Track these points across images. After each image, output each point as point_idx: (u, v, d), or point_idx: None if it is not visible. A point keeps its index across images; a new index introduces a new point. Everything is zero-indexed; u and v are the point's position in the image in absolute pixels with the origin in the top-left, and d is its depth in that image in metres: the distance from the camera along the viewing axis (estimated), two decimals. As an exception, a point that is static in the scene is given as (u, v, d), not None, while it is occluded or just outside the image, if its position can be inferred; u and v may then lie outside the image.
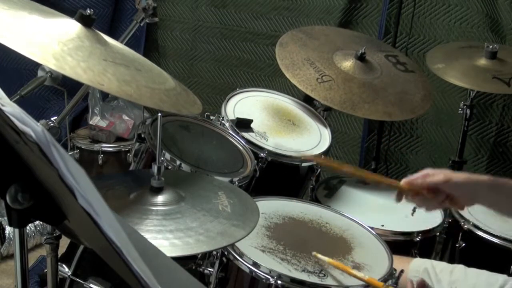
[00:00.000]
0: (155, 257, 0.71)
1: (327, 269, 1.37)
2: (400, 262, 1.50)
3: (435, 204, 1.33)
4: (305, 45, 2.13)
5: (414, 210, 1.81)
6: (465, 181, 1.28)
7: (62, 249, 1.58)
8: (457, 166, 2.26)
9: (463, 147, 2.26)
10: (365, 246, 1.51)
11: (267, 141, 1.91)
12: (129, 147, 2.72)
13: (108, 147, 2.75)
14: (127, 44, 1.50)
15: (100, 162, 2.70)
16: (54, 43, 1.09)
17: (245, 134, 1.88)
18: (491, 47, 2.10)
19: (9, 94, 0.98)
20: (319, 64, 2.05)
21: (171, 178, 1.31)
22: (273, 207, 1.61)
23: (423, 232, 1.82)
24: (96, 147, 2.73)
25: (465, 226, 1.88)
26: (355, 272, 1.33)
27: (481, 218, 1.89)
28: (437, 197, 1.30)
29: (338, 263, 1.36)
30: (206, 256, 1.51)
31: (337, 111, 2.09)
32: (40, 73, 1.65)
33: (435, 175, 1.29)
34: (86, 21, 1.23)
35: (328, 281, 1.33)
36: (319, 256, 1.38)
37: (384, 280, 1.36)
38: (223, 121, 1.90)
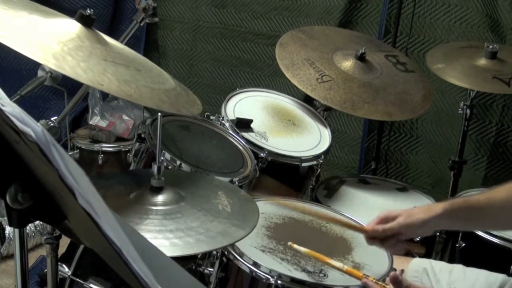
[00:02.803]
0: (155, 257, 0.71)
1: (326, 269, 1.37)
2: (400, 262, 1.50)
3: (398, 249, 1.40)
4: (305, 45, 2.13)
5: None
6: (421, 221, 1.30)
7: (62, 249, 1.58)
8: (457, 166, 2.26)
9: (463, 147, 2.26)
10: (365, 246, 1.50)
11: (267, 141, 1.91)
12: (129, 147, 2.71)
13: (108, 147, 2.75)
14: (127, 44, 1.50)
15: (100, 162, 2.70)
16: (54, 43, 1.09)
17: (245, 134, 1.88)
18: (491, 47, 2.10)
19: (9, 94, 0.98)
20: (319, 64, 2.05)
21: (171, 178, 1.31)
22: (273, 207, 1.61)
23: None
24: (96, 147, 2.73)
25: (465, 226, 1.88)
26: (332, 262, 1.33)
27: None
28: (398, 243, 1.36)
29: (315, 253, 1.35)
30: (206, 256, 1.51)
31: (337, 111, 2.09)
32: (40, 73, 1.65)
33: (392, 222, 1.33)
34: (86, 21, 1.23)
35: (328, 281, 1.33)
36: (295, 246, 1.37)
37: (384, 280, 1.36)
38: (223, 121, 1.90)
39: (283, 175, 1.92)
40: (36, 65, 1.43)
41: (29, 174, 0.74)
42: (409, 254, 1.77)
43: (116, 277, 1.52)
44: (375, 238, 1.36)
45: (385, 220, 1.34)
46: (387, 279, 1.27)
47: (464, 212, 1.31)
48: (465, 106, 2.21)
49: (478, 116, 2.51)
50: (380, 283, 1.25)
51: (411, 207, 1.38)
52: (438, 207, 1.30)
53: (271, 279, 1.30)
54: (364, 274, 1.30)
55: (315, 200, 1.92)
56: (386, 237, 1.35)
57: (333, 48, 2.16)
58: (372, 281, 1.27)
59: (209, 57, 3.03)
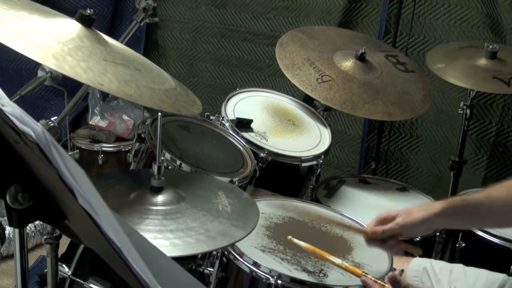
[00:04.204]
0: (155, 257, 0.71)
1: (327, 268, 1.37)
2: (400, 262, 1.50)
3: (397, 250, 1.39)
4: (305, 45, 2.13)
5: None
6: (420, 220, 1.30)
7: (62, 249, 1.58)
8: (457, 166, 2.26)
9: (463, 147, 2.26)
10: (365, 246, 1.50)
11: (267, 141, 1.91)
12: (129, 147, 2.72)
13: (108, 147, 2.76)
14: (127, 44, 1.50)
15: (100, 162, 2.70)
16: (54, 43, 1.09)
17: (245, 134, 1.88)
18: (491, 47, 2.10)
19: (9, 94, 0.98)
20: (319, 64, 2.05)
21: (171, 178, 1.31)
22: (273, 207, 1.61)
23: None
24: (96, 147, 2.73)
25: (465, 226, 1.88)
26: (332, 258, 1.33)
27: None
28: (397, 244, 1.36)
29: (315, 248, 1.35)
30: (206, 256, 1.51)
31: (337, 111, 2.09)
32: (40, 73, 1.65)
33: (391, 223, 1.32)
34: (86, 21, 1.23)
35: (328, 281, 1.33)
36: (295, 240, 1.37)
37: (383, 279, 1.36)
38: (223, 121, 1.90)
39: (283, 175, 1.92)
40: (36, 65, 1.43)
41: (29, 174, 0.74)
42: (408, 254, 1.77)
43: (116, 277, 1.52)
44: (375, 239, 1.36)
45: (384, 221, 1.34)
46: (386, 278, 1.27)
47: (462, 210, 1.31)
48: (465, 106, 2.21)
49: (478, 116, 2.51)
50: (379, 281, 1.25)
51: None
52: (437, 206, 1.30)
53: (271, 279, 1.30)
54: (363, 272, 1.30)
55: (315, 200, 1.92)
56: (385, 238, 1.35)
57: (333, 48, 2.16)
58: (371, 279, 1.27)
59: (209, 57, 3.03)
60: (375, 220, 1.35)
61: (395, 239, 1.35)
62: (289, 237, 1.39)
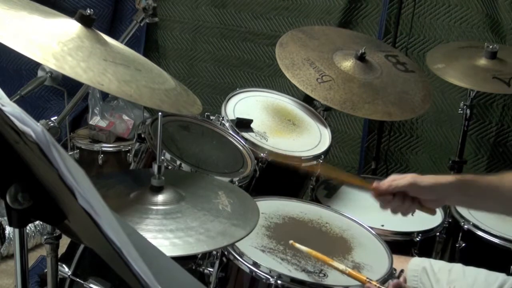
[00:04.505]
0: (155, 257, 0.71)
1: (326, 269, 1.37)
2: (400, 262, 1.50)
3: (405, 208, 1.33)
4: (305, 45, 2.13)
5: (414, 210, 1.81)
6: (431, 184, 1.27)
7: (62, 249, 1.58)
8: (457, 166, 2.26)
9: (463, 147, 2.26)
10: (365, 246, 1.51)
11: (267, 141, 1.91)
12: (129, 147, 2.72)
13: (108, 147, 2.76)
14: (127, 44, 1.50)
15: (100, 162, 2.70)
16: (54, 43, 1.09)
17: (245, 134, 1.88)
18: (491, 47, 2.10)
19: (9, 94, 0.98)
20: (319, 64, 2.05)
21: (171, 177, 1.31)
22: (273, 207, 1.61)
23: (423, 232, 1.82)
24: (96, 147, 2.73)
25: (465, 226, 1.88)
26: (335, 264, 1.32)
27: (481, 218, 1.89)
28: (405, 201, 1.30)
29: (317, 253, 1.35)
30: (206, 256, 1.51)
31: (337, 111, 2.09)
32: (40, 73, 1.65)
33: (401, 179, 1.29)
34: (86, 21, 1.23)
35: (328, 281, 1.33)
36: (297, 245, 1.37)
37: (384, 280, 1.36)
38: (223, 121, 1.90)
39: (283, 175, 1.92)
40: (36, 65, 1.43)
41: (29, 174, 0.74)
42: (411, 253, 1.77)
43: (116, 277, 1.52)
44: (383, 194, 1.32)
45: (393, 179, 1.31)
46: (390, 286, 1.26)
47: (474, 187, 1.28)
48: (465, 106, 2.21)
49: (478, 116, 2.51)
50: (383, 287, 1.25)
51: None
52: (449, 177, 1.28)
53: (271, 279, 1.30)
54: (367, 278, 1.29)
55: (315, 200, 1.92)
56: (394, 194, 1.30)
57: (333, 48, 2.16)
58: (375, 285, 1.26)
59: (209, 57, 3.03)
60: (387, 179, 1.32)
61: (402, 196, 1.30)
62: (291, 241, 1.38)
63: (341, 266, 1.32)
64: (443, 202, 1.36)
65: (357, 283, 1.33)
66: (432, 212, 1.38)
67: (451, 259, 1.90)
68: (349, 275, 1.30)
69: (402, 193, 1.30)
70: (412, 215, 1.55)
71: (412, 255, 1.74)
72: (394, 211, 1.34)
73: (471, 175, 1.33)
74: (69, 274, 1.60)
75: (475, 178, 1.31)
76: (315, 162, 1.92)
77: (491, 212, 1.74)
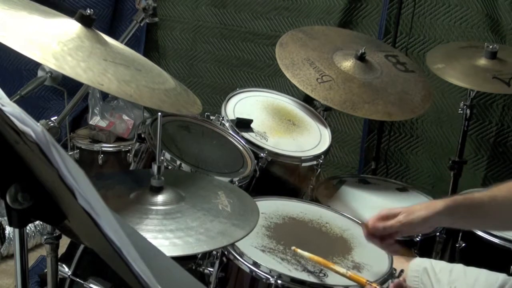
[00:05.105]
0: (155, 257, 0.71)
1: (326, 268, 1.37)
2: (400, 262, 1.50)
3: (395, 249, 1.38)
4: (305, 45, 2.13)
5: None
6: (421, 219, 1.28)
7: (62, 249, 1.58)
8: (457, 166, 2.26)
9: (463, 147, 2.26)
10: (365, 246, 1.51)
11: (267, 141, 1.91)
12: (129, 147, 2.72)
13: (108, 147, 2.75)
14: (127, 44, 1.50)
15: (100, 162, 2.70)
16: (54, 43, 1.09)
17: (245, 134, 1.88)
18: (491, 47, 2.10)
19: (9, 94, 0.98)
20: (319, 64, 2.05)
21: (171, 178, 1.31)
22: (273, 207, 1.61)
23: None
24: (96, 147, 2.73)
25: (465, 226, 1.88)
26: (336, 267, 1.32)
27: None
28: (390, 243, 1.35)
29: (319, 258, 1.35)
30: (206, 256, 1.51)
31: (337, 111, 2.09)
32: (40, 73, 1.65)
33: (393, 220, 1.31)
34: (86, 21, 1.23)
35: (328, 281, 1.33)
36: (299, 251, 1.37)
37: (384, 280, 1.36)
38: (223, 121, 1.90)
39: (283, 175, 1.92)
40: (36, 65, 1.43)
41: (29, 174, 0.74)
42: (411, 253, 1.77)
43: (116, 277, 1.52)
44: (374, 235, 1.35)
45: (386, 218, 1.33)
46: (390, 286, 1.26)
47: (465, 209, 1.29)
48: (465, 106, 2.21)
49: (478, 116, 2.51)
50: None
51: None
52: (439, 204, 1.28)
53: (271, 279, 1.30)
54: (367, 281, 1.29)
55: (315, 200, 1.92)
56: (385, 236, 1.34)
57: (333, 48, 2.16)
58: (375, 287, 1.26)
59: (209, 57, 3.03)
60: (377, 216, 1.34)
61: (393, 238, 1.34)
62: (293, 247, 1.38)
63: (342, 270, 1.32)
64: (435, 227, 1.39)
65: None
66: (413, 257, 1.43)
67: (451, 259, 1.90)
68: (350, 278, 1.30)
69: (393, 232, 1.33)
70: None
71: (412, 255, 1.74)
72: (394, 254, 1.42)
73: (461, 196, 1.35)
74: (69, 274, 1.60)
75: (466, 199, 1.32)
76: (314, 163, 1.92)
77: (485, 229, 1.77)
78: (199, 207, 1.25)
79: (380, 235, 1.34)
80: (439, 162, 2.64)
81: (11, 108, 0.62)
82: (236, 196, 1.36)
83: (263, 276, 1.32)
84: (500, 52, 2.11)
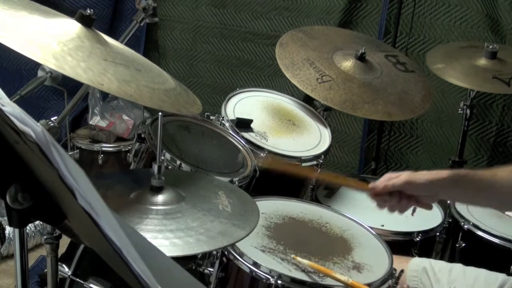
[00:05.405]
0: (155, 257, 0.71)
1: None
2: (400, 262, 1.50)
3: (402, 206, 1.34)
4: (305, 45, 2.13)
5: (414, 210, 1.81)
6: (426, 181, 1.28)
7: (62, 249, 1.58)
8: (457, 166, 2.26)
9: (463, 147, 2.26)
10: (365, 246, 1.51)
11: (267, 141, 1.91)
12: (129, 147, 2.72)
13: (108, 147, 2.76)
14: (127, 44, 1.50)
15: (100, 162, 2.70)
16: (54, 43, 1.09)
17: (245, 134, 1.88)
18: (491, 47, 2.10)
19: (9, 94, 0.98)
20: (319, 64, 2.05)
21: (171, 178, 1.31)
22: (273, 207, 1.61)
23: (423, 232, 1.82)
24: (96, 147, 2.73)
25: (465, 226, 1.88)
26: (337, 275, 1.32)
27: (481, 218, 1.89)
28: (401, 200, 1.32)
29: (319, 266, 1.35)
30: (206, 256, 1.51)
31: (337, 111, 2.09)
32: (40, 73, 1.65)
33: (396, 178, 1.30)
34: (86, 21, 1.23)
35: (328, 281, 1.33)
36: (299, 259, 1.36)
37: (384, 280, 1.36)
38: (223, 121, 1.90)
39: (283, 175, 1.91)
40: (36, 65, 1.43)
41: (29, 174, 0.74)
42: (411, 253, 1.77)
43: (116, 277, 1.52)
44: (379, 194, 1.33)
45: (389, 178, 1.31)
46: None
47: (469, 181, 1.29)
48: (465, 106, 2.21)
49: (478, 116, 2.51)
50: None
51: (411, 208, 1.37)
52: (444, 172, 1.28)
53: (271, 279, 1.30)
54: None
55: (315, 200, 1.92)
56: (391, 193, 1.31)
57: (333, 48, 2.16)
58: None
59: (209, 57, 3.03)
60: (381, 178, 1.33)
61: (398, 195, 1.31)
62: (293, 255, 1.38)
63: (343, 277, 1.31)
64: (438, 197, 1.36)
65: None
66: (429, 208, 1.38)
67: (451, 259, 1.90)
68: (352, 285, 1.29)
69: (398, 192, 1.31)
70: (412, 215, 1.55)
71: (412, 255, 1.74)
72: (391, 210, 1.35)
73: (465, 170, 1.34)
74: (69, 274, 1.60)
75: (469, 173, 1.31)
76: (314, 163, 1.92)
77: (486, 206, 1.74)
78: (199, 207, 1.24)
79: (385, 193, 1.31)
80: (439, 162, 2.64)
81: (11, 108, 0.62)
82: (236, 196, 1.36)
83: (263, 276, 1.32)
84: (500, 52, 2.11)
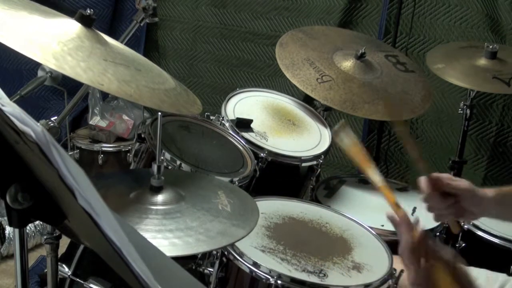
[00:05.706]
0: (155, 257, 0.71)
1: (326, 269, 1.37)
2: (400, 262, 1.50)
3: (445, 211, 1.29)
4: (305, 45, 2.13)
5: (414, 210, 1.82)
6: (484, 196, 1.26)
7: (62, 249, 1.58)
8: (457, 166, 2.26)
9: (463, 147, 2.26)
10: (365, 246, 1.51)
11: (267, 141, 1.91)
12: (129, 147, 2.71)
13: (108, 147, 2.75)
14: (127, 44, 1.50)
15: (100, 162, 2.70)
16: (54, 43, 1.09)
17: (245, 134, 1.88)
18: (491, 47, 2.10)
19: (9, 94, 0.98)
20: (319, 64, 2.05)
21: (171, 177, 1.31)
22: (273, 207, 1.61)
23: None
24: (96, 147, 2.73)
25: (465, 226, 1.88)
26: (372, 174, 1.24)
27: (481, 218, 1.89)
28: (453, 205, 1.27)
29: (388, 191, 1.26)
30: (206, 256, 1.51)
31: (337, 111, 2.09)
32: (40, 73, 1.65)
33: (460, 181, 1.27)
34: (86, 21, 1.23)
35: (328, 281, 1.33)
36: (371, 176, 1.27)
37: (384, 280, 1.36)
38: (223, 121, 1.90)
39: (283, 175, 1.92)
40: (36, 65, 1.44)
41: (29, 174, 0.74)
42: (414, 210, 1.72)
43: (116, 277, 1.52)
44: (437, 186, 1.27)
45: (451, 178, 1.27)
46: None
47: (509, 197, 1.27)
48: (465, 106, 2.21)
49: (478, 116, 2.51)
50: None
51: (412, 207, 1.36)
52: (489, 191, 1.26)
53: (271, 279, 1.30)
54: (396, 203, 1.21)
55: (315, 200, 1.92)
56: (445, 195, 1.26)
57: (333, 48, 2.16)
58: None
59: (209, 57, 3.03)
60: (444, 175, 1.27)
61: (455, 201, 1.27)
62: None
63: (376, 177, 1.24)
64: (480, 216, 1.33)
65: (357, 283, 1.33)
66: (457, 229, 1.35)
67: (451, 259, 1.90)
68: (381, 189, 1.23)
69: (454, 197, 1.27)
70: (412, 215, 1.55)
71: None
72: (431, 210, 1.30)
73: (507, 187, 1.31)
74: (69, 274, 1.60)
75: (509, 190, 1.29)
76: (314, 163, 1.92)
77: None
78: (199, 207, 1.25)
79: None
80: (439, 162, 2.64)
81: (11, 108, 0.62)
82: (236, 196, 1.36)
83: (263, 276, 1.32)
84: (500, 52, 2.11)
